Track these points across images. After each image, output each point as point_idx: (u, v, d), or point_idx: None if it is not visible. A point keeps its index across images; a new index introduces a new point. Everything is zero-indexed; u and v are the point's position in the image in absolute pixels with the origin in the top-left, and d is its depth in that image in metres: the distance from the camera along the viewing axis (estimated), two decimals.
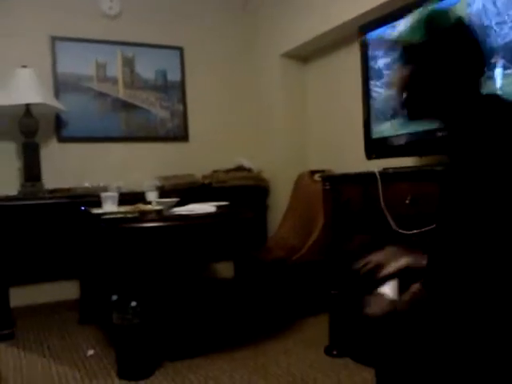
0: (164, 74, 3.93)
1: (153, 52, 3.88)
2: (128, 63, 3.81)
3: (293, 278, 3.06)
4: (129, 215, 2.35)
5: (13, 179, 3.32)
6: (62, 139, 3.57)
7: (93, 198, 3.01)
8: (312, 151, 3.92)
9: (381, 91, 2.40)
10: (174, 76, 3.95)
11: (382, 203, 2.06)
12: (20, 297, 3.23)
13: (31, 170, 3.19)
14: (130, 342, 2.26)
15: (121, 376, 2.28)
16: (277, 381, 2.21)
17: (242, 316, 3.06)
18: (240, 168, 3.87)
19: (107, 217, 2.36)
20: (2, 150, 3.36)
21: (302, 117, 3.98)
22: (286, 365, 2.38)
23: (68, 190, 3.22)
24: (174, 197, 2.81)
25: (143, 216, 2.40)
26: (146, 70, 3.86)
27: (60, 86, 3.54)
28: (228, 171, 3.79)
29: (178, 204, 2.71)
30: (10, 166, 3.37)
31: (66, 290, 3.49)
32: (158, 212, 2.53)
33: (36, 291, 3.46)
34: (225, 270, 3.73)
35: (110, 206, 2.56)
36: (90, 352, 2.62)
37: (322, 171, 3.15)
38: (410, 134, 2.25)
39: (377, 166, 2.29)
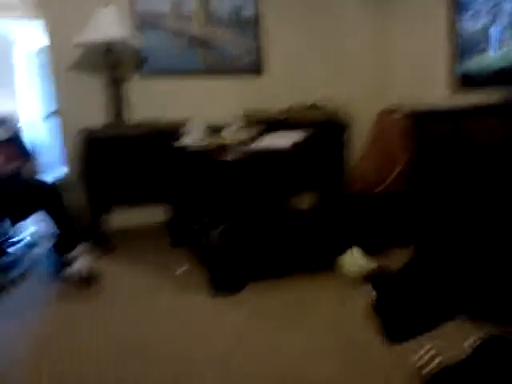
0: (239, 10, 3.90)
1: None
2: (203, 0, 3.79)
3: (376, 210, 3.06)
4: (211, 147, 2.43)
5: (101, 112, 3.49)
6: (144, 74, 3.71)
7: (174, 131, 3.15)
8: (393, 87, 3.81)
9: (468, 25, 2.26)
10: (248, 12, 3.92)
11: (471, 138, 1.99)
12: (117, 219, 3.49)
13: (116, 103, 3.34)
14: (220, 260, 2.43)
15: (212, 291, 2.48)
16: (358, 309, 2.24)
17: (323, 244, 3.10)
18: (317, 104, 3.83)
19: (190, 147, 2.44)
20: (88, 86, 3.55)
21: (384, 52, 3.84)
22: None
23: (150, 123, 3.35)
24: (250, 130, 2.86)
25: (225, 148, 2.47)
26: (221, 6, 3.84)
27: (139, 23, 3.65)
28: (305, 107, 3.76)
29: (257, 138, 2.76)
30: (96, 100, 3.53)
31: (158, 214, 3.71)
32: (239, 144, 2.59)
33: (130, 215, 3.75)
34: (305, 202, 3.79)
35: (192, 138, 2.65)
36: (182, 269, 2.81)
37: (403, 107, 3.05)
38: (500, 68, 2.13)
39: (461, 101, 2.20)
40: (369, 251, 2.64)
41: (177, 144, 2.67)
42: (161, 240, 3.42)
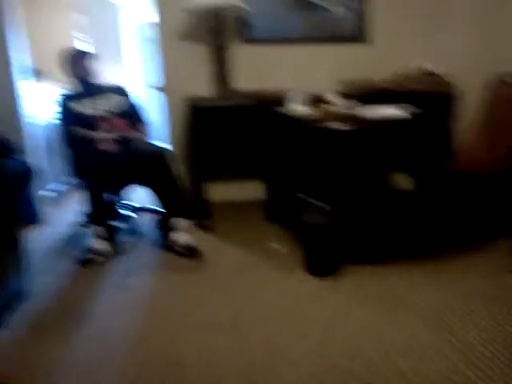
0: None
1: None
2: None
3: (485, 189, 2.87)
4: (317, 116, 2.38)
5: (204, 81, 3.56)
6: (247, 41, 3.66)
7: (277, 99, 3.12)
8: (506, 56, 3.50)
9: None
10: None
11: None
12: (214, 193, 3.57)
13: (221, 72, 3.36)
14: (318, 240, 2.38)
15: (307, 271, 2.45)
16: (459, 298, 2.14)
17: (424, 228, 2.99)
18: (424, 73, 3.61)
19: (296, 116, 2.40)
20: (193, 56, 3.57)
21: (494, 18, 3.53)
22: (470, 284, 2.28)
23: (255, 91, 3.34)
24: (353, 100, 2.76)
25: (330, 117, 2.41)
26: None
27: None
28: (411, 76, 3.57)
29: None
30: (205, 68, 3.58)
31: (255, 190, 3.74)
32: (345, 114, 2.51)
33: (227, 189, 3.80)
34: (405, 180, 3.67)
35: (297, 106, 2.61)
36: (276, 245, 2.83)
37: None
38: None
39: None
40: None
41: (281, 111, 2.63)
42: (258, 215, 3.44)
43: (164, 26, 3.56)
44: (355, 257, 2.54)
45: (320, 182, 2.48)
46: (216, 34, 3.35)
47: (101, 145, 2.82)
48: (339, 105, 2.73)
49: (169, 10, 3.51)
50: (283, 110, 2.82)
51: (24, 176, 2.55)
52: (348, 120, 2.42)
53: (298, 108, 2.65)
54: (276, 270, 2.51)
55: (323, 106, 2.63)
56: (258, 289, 2.29)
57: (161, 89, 3.70)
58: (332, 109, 2.63)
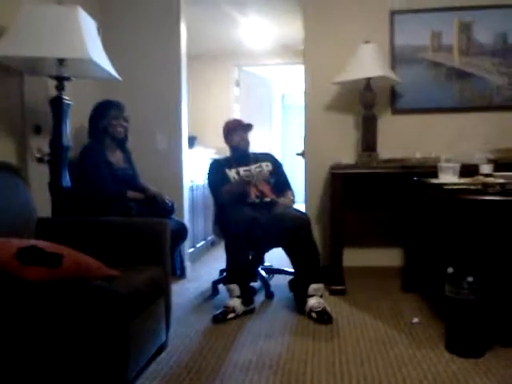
0: (504, 37, 3.60)
1: (493, 14, 3.58)
2: (465, 29, 3.62)
3: None
4: (472, 187, 2.26)
5: (350, 149, 3.61)
6: (396, 111, 3.67)
7: (424, 169, 3.05)
8: None
9: None
10: None
11: None
12: (349, 257, 3.52)
13: (368, 140, 3.39)
14: (463, 317, 2.20)
15: (449, 349, 2.26)
16: None
17: None
18: None
19: (448, 187, 2.32)
20: (342, 122, 3.67)
21: None
22: None
23: (400, 160, 3.30)
24: (508, 171, 2.57)
25: (486, 188, 2.27)
26: (483, 34, 3.60)
27: (396, 58, 3.64)
28: None
29: None
30: (349, 136, 3.66)
31: (391, 257, 3.65)
32: (502, 185, 2.35)
33: (363, 254, 3.73)
34: None
35: (449, 177, 2.51)
36: (416, 320, 2.66)
37: None
38: None
39: None
40: None
41: (430, 182, 2.57)
42: (393, 283, 3.32)
43: (310, 96, 3.73)
44: (505, 338, 2.28)
45: (468, 255, 2.31)
46: (366, 104, 3.40)
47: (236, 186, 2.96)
48: (495, 175, 2.56)
49: (316, 81, 3.68)
50: (430, 179, 2.73)
51: (180, 234, 2.77)
52: (505, 191, 2.26)
53: (448, 178, 2.56)
54: (414, 346, 2.35)
55: (477, 176, 2.49)
56: (395, 366, 2.14)
57: (303, 155, 3.83)
58: (487, 180, 2.47)
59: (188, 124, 3.89)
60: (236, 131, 3.29)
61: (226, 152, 3.49)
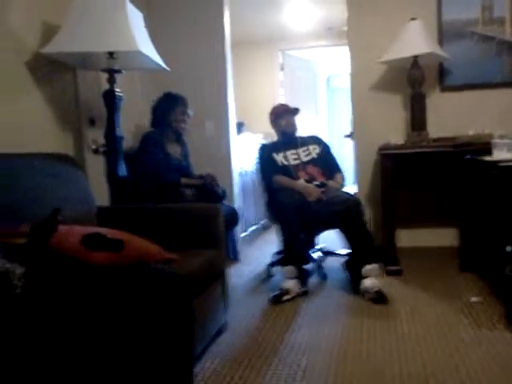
0: None
1: None
2: None
3: None
4: None
5: (399, 129, 3.55)
6: (445, 88, 3.59)
7: (476, 146, 2.97)
8: None
9: None
10: None
11: None
12: (404, 238, 3.48)
13: (417, 119, 3.33)
14: None
15: (510, 329, 2.21)
16: None
17: None
18: None
19: (503, 164, 2.25)
20: (390, 102, 3.62)
21: None
22: None
23: (451, 138, 3.22)
24: None
25: None
26: None
27: (444, 34, 3.54)
28: None
29: None
30: (397, 116, 3.60)
31: (445, 237, 3.60)
32: None
33: (417, 235, 3.68)
34: None
35: (504, 154, 2.44)
36: (474, 299, 2.62)
37: None
38: None
39: None
40: None
41: (484, 159, 2.50)
42: (450, 263, 3.26)
43: (356, 76, 3.68)
44: None
45: None
46: (414, 82, 3.33)
47: (308, 196, 2.96)
48: None
49: (362, 61, 3.63)
50: (483, 156, 2.66)
51: (231, 219, 2.83)
52: None
53: (503, 155, 2.48)
54: (473, 326, 2.31)
55: None
56: (453, 346, 2.12)
57: (351, 136, 3.80)
58: None
59: (235, 110, 3.93)
60: (283, 116, 3.31)
61: (273, 137, 3.51)
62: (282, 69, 6.27)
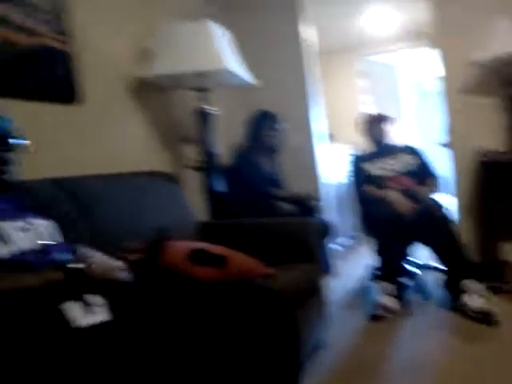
0: None
1: None
2: None
3: None
4: None
5: (501, 134, 3.32)
6: None
7: None
8: None
9: None
10: None
11: None
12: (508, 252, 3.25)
13: None
14: None
15: None
16: None
17: None
18: None
19: None
20: (485, 105, 3.38)
21: None
22: None
23: None
24: None
25: None
26: None
27: None
28: None
29: None
30: (497, 121, 3.36)
31: None
32: None
33: None
34: None
35: None
36: None
37: None
38: None
39: None
40: None
41: None
42: None
43: (449, 80, 3.51)
44: None
45: None
46: (510, 84, 3.13)
47: (398, 208, 2.87)
48: None
49: (453, 63, 3.45)
50: None
51: (323, 232, 2.79)
52: None
53: None
54: None
55: None
56: None
57: (446, 144, 3.62)
58: None
59: (322, 121, 3.90)
60: (375, 124, 3.26)
61: (361, 146, 3.45)
62: (364, 75, 6.15)
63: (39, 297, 1.14)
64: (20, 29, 1.88)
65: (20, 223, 1.32)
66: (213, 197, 2.68)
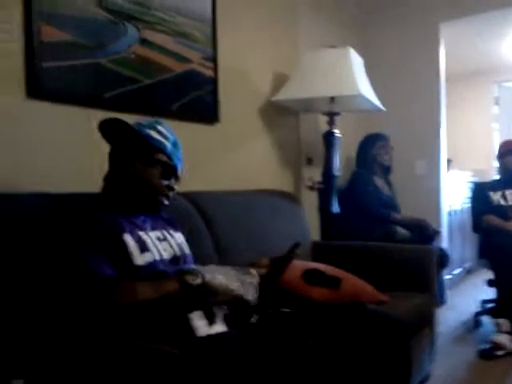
0: None
1: None
2: None
3: None
4: None
5: None
6: None
7: None
8: None
9: None
10: None
11: None
12: None
13: None
14: None
15: None
16: None
17: None
18: None
19: None
20: None
21: None
22: None
23: None
24: None
25: None
26: None
27: None
28: None
29: None
30: None
31: None
32: None
33: None
34: None
35: None
36: None
37: None
38: None
39: None
40: None
41: None
42: None
43: None
44: None
45: None
46: None
47: None
48: None
49: None
50: None
51: (441, 261, 2.73)
52: None
53: None
54: None
55: None
56: None
57: None
58: None
59: (446, 147, 3.81)
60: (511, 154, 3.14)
61: (482, 174, 3.34)
62: (497, 103, 5.83)
63: (165, 305, 1.22)
64: (174, 55, 2.13)
65: (157, 233, 1.44)
66: (327, 217, 2.75)
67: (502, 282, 2.71)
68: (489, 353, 2.59)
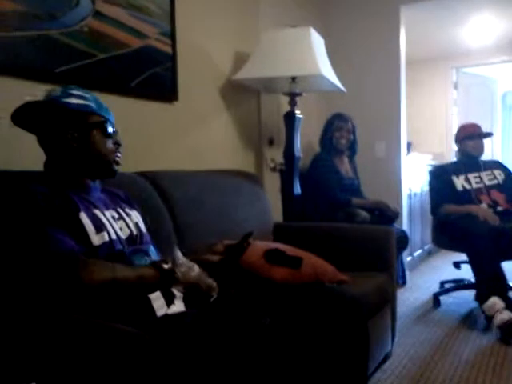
0: None
1: None
2: None
3: None
4: None
5: None
6: None
7: None
8: None
9: None
10: None
11: None
12: None
13: None
14: None
15: None
16: None
17: None
18: None
19: None
20: None
21: None
22: None
23: None
24: None
25: None
26: None
27: None
28: None
29: None
30: None
31: None
32: None
33: None
34: None
35: None
36: None
37: None
38: None
39: None
40: None
41: None
42: None
43: None
44: None
45: None
46: None
47: (482, 217, 2.78)
48: None
49: None
50: None
51: (401, 242, 2.76)
52: None
53: None
54: None
55: None
56: None
57: None
58: None
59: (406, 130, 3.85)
60: (473, 137, 3.17)
61: (442, 158, 3.38)
62: (456, 87, 5.94)
63: (132, 288, 1.21)
64: (129, 29, 2.03)
65: (113, 212, 1.39)
66: (289, 199, 2.74)
67: (478, 265, 2.70)
68: (507, 335, 2.49)
